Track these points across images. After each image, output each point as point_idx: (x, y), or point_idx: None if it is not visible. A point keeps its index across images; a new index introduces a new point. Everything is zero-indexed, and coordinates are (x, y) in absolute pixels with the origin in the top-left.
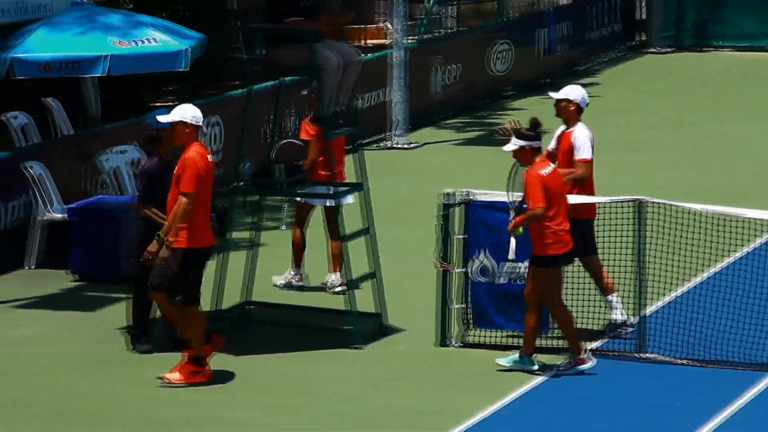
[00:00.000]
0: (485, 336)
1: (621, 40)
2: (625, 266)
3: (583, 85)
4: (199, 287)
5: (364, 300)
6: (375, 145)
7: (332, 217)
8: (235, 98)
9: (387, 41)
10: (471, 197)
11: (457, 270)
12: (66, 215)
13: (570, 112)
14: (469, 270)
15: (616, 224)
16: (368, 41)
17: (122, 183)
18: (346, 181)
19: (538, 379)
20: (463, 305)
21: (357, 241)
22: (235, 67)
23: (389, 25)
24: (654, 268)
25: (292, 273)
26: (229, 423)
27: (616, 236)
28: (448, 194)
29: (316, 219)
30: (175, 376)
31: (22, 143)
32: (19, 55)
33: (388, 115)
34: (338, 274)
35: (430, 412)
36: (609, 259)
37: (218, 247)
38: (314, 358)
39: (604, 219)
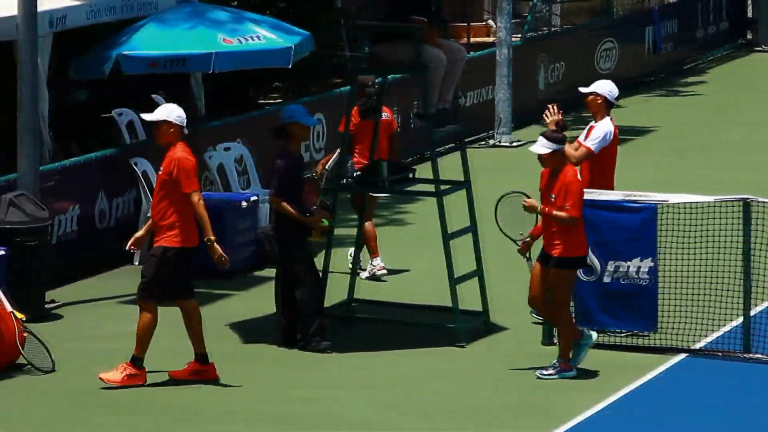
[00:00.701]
0: None
1: (728, 39)
2: (732, 266)
3: (689, 84)
4: (190, 283)
5: (469, 298)
6: (479, 143)
7: (375, 204)
8: (339, 96)
9: (492, 39)
10: None
11: None
12: None
13: (597, 105)
14: None
15: (722, 224)
16: (473, 39)
17: (228, 180)
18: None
19: (645, 378)
20: None
21: (461, 239)
22: (339, 65)
23: (494, 23)
24: (760, 268)
25: (374, 264)
26: (334, 420)
27: (722, 236)
28: None
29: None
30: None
31: (129, 140)
32: (126, 52)
33: (493, 113)
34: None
35: (536, 410)
36: (715, 259)
37: (324, 244)
38: (418, 356)
39: (710, 218)
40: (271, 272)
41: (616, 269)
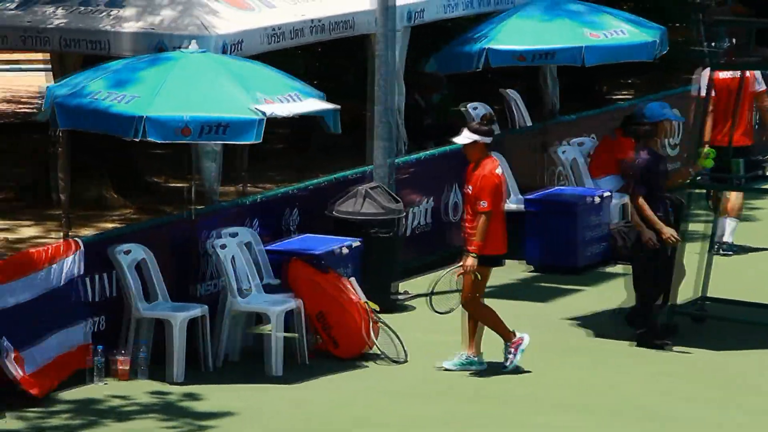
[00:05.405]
0: None
1: None
2: None
3: None
4: None
5: None
6: None
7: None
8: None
9: None
10: None
11: None
12: (522, 206)
13: None
14: None
15: None
16: None
17: (579, 175)
18: None
19: None
20: None
21: None
22: (694, 60)
23: None
24: None
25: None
26: (680, 417)
27: None
28: None
29: None
30: None
31: None
32: (494, 46)
33: None
34: None
35: None
36: None
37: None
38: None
39: None
40: (620, 268)
41: None
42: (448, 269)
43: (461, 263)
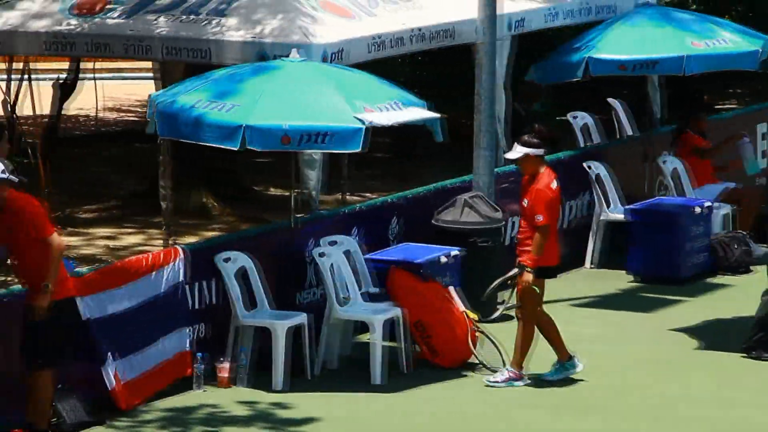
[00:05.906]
0: None
1: None
2: None
3: None
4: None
5: None
6: None
7: None
8: None
9: None
10: None
11: None
12: (626, 216)
13: None
14: None
15: None
16: None
17: (681, 185)
18: None
19: None
20: None
21: None
22: None
23: None
24: None
25: None
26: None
27: None
28: None
29: None
30: None
31: (583, 143)
32: (595, 55)
33: None
34: None
35: None
36: None
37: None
38: None
39: None
40: (723, 279)
41: None
42: (501, 279)
43: (513, 273)
